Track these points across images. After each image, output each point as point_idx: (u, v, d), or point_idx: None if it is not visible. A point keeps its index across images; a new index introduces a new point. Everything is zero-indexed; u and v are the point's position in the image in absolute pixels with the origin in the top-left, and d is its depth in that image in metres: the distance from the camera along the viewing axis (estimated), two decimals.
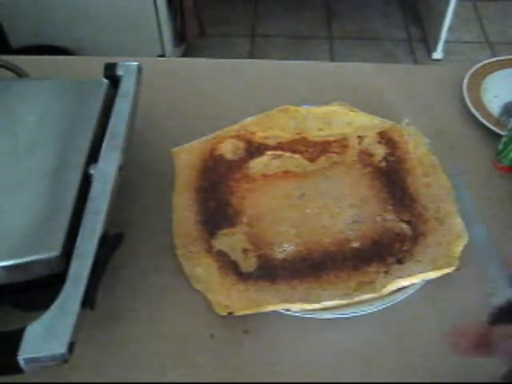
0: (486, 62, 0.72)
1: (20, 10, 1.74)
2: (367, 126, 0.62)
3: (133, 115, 0.53)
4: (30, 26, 1.78)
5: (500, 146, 0.59)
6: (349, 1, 2.40)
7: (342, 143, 0.60)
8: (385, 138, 0.60)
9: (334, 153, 0.60)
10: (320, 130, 0.62)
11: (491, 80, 0.70)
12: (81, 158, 0.48)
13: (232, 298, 0.47)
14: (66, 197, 0.45)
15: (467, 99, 0.67)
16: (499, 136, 0.60)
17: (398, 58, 2.12)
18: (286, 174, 0.58)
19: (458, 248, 0.50)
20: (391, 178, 0.57)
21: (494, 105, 0.67)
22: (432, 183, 0.56)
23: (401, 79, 0.72)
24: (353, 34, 2.25)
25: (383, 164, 0.58)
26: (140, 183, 0.59)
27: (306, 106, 0.64)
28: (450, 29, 1.97)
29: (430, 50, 2.13)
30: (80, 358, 0.40)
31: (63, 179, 0.47)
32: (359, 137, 0.61)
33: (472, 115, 0.65)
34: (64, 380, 0.44)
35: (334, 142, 0.61)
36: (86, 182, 0.47)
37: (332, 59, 2.11)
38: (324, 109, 0.64)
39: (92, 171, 0.47)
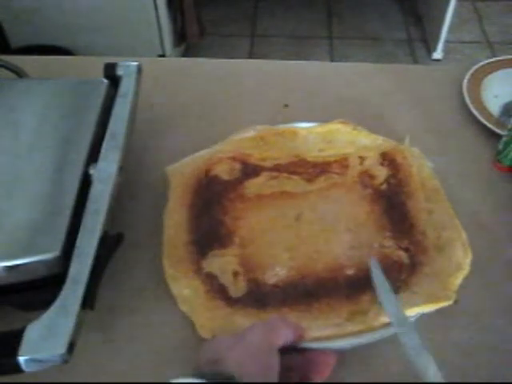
0: (486, 61, 0.72)
1: (20, 10, 1.74)
2: (369, 145, 0.59)
3: (133, 115, 0.53)
4: (30, 26, 1.78)
5: (500, 146, 0.59)
6: (349, 1, 2.40)
7: (343, 163, 0.58)
8: (387, 159, 0.58)
9: (334, 173, 0.57)
10: (321, 150, 0.59)
11: (491, 80, 0.70)
12: (81, 158, 0.48)
13: (217, 322, 0.46)
14: (66, 197, 0.45)
15: (467, 99, 0.67)
16: (499, 136, 0.60)
17: (398, 58, 2.12)
18: (283, 194, 0.55)
19: (457, 280, 0.47)
20: (391, 202, 0.54)
21: (494, 105, 0.67)
22: (434, 209, 0.53)
23: (401, 79, 0.72)
24: (353, 34, 2.25)
25: (384, 186, 0.56)
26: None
27: (306, 125, 0.61)
28: (450, 29, 1.98)
29: (430, 50, 2.13)
30: (80, 358, 0.40)
31: (63, 179, 0.47)
32: (361, 157, 0.58)
33: (472, 115, 0.65)
34: (64, 380, 0.44)
35: (335, 162, 0.58)
36: (86, 181, 0.47)
37: (332, 59, 2.11)
38: (325, 127, 0.61)
39: (92, 171, 0.47)
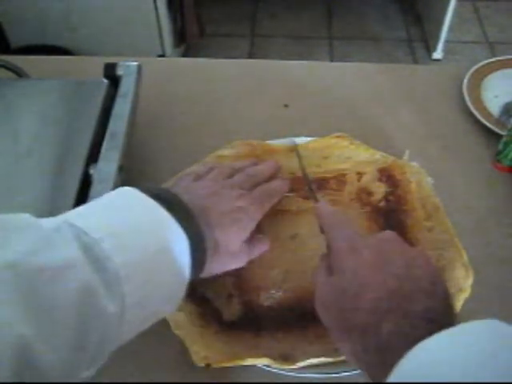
0: (486, 62, 0.72)
1: (20, 10, 1.74)
2: (367, 161, 0.57)
3: (133, 115, 0.53)
4: (30, 26, 1.78)
5: (500, 146, 0.59)
6: (349, 1, 2.40)
7: (340, 180, 0.56)
8: (385, 175, 0.56)
9: (331, 189, 0.55)
10: (317, 166, 0.57)
11: (491, 80, 0.70)
12: (81, 158, 0.48)
13: (211, 348, 0.44)
14: (66, 197, 0.45)
15: (467, 99, 0.67)
16: (499, 136, 0.60)
17: (398, 58, 2.12)
18: (278, 212, 0.52)
19: (459, 303, 0.46)
20: (390, 220, 0.52)
21: (494, 105, 0.67)
22: (434, 228, 0.51)
23: (401, 79, 0.72)
24: (353, 34, 2.25)
25: (383, 204, 0.54)
26: None
27: (302, 140, 0.59)
28: (450, 29, 1.98)
29: (429, 49, 2.13)
30: None
31: (63, 179, 0.47)
32: (358, 173, 0.56)
33: (472, 115, 0.65)
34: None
35: (332, 178, 0.56)
36: (86, 181, 0.47)
37: (332, 59, 2.11)
38: (322, 142, 0.59)
39: (92, 171, 0.47)
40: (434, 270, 0.37)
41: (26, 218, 0.34)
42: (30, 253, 0.30)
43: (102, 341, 0.33)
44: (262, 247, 0.48)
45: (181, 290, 0.39)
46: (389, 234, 0.40)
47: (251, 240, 0.47)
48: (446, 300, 0.35)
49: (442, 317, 0.34)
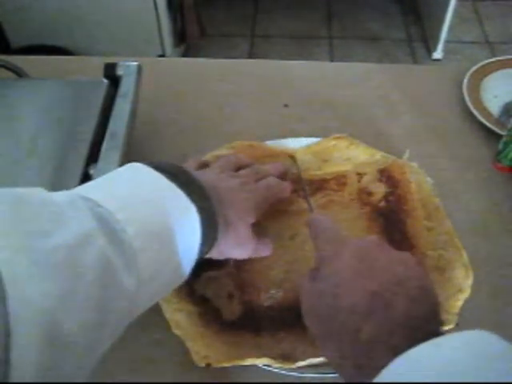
0: (486, 62, 0.72)
1: (20, 10, 1.74)
2: (367, 162, 0.57)
3: (133, 115, 0.53)
4: (30, 26, 1.78)
5: (500, 146, 0.59)
6: (349, 1, 2.40)
7: (340, 180, 0.56)
8: (385, 175, 0.56)
9: (331, 190, 0.55)
10: (318, 169, 0.57)
11: (491, 80, 0.70)
12: (81, 158, 0.48)
13: (211, 348, 0.44)
14: None
15: (467, 99, 0.67)
16: (499, 136, 0.60)
17: (397, 58, 2.12)
18: (278, 212, 0.53)
19: (458, 303, 0.46)
20: (390, 220, 0.52)
21: (494, 105, 0.67)
22: (434, 227, 0.52)
23: (401, 79, 0.72)
24: (353, 34, 2.25)
25: (383, 204, 0.54)
26: None
27: (303, 142, 0.59)
28: (450, 29, 1.98)
29: (429, 50, 2.13)
30: None
31: (63, 179, 0.47)
32: (358, 174, 0.56)
33: (472, 115, 0.65)
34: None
35: (332, 179, 0.56)
36: (86, 181, 0.46)
37: (332, 59, 2.11)
38: (322, 144, 0.59)
39: (92, 171, 0.47)
40: (422, 274, 0.36)
41: (39, 192, 0.33)
42: (47, 231, 0.30)
43: (121, 315, 0.33)
44: (265, 250, 0.48)
45: (190, 264, 0.39)
46: (373, 238, 0.40)
47: (257, 240, 0.47)
48: (433, 306, 0.34)
49: (425, 324, 0.33)
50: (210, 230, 0.40)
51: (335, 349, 0.34)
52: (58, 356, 0.27)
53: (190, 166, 0.49)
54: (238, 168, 0.50)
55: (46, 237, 0.29)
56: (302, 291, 0.39)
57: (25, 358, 0.25)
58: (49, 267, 0.28)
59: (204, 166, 0.50)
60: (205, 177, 0.43)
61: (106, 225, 0.33)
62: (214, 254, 0.44)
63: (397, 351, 0.29)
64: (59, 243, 0.29)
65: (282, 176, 0.54)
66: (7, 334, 0.24)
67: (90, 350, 0.31)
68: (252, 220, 0.45)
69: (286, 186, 0.52)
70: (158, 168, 0.39)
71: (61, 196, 0.33)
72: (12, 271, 0.27)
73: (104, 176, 0.39)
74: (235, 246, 0.45)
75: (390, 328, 0.32)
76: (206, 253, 0.42)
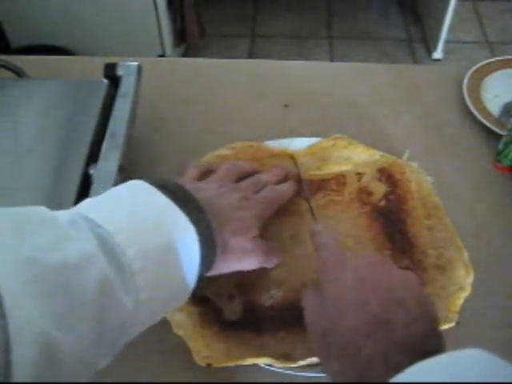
0: (486, 62, 0.72)
1: (20, 10, 1.74)
2: (366, 161, 0.57)
3: (133, 115, 0.54)
4: (30, 26, 1.78)
5: (500, 146, 0.59)
6: (349, 1, 2.40)
7: (340, 180, 0.56)
8: (385, 175, 0.56)
9: (331, 190, 0.55)
10: (318, 169, 0.57)
11: (491, 80, 0.70)
12: (81, 158, 0.48)
13: (212, 348, 0.44)
14: (66, 197, 0.45)
15: (467, 99, 0.67)
16: (499, 136, 0.60)
17: (397, 58, 2.12)
18: (279, 212, 0.52)
19: (459, 301, 0.46)
20: (390, 219, 0.52)
21: (494, 105, 0.67)
22: (434, 226, 0.52)
23: (401, 79, 0.72)
24: (353, 34, 2.25)
25: (383, 203, 0.54)
26: None
27: (302, 142, 0.59)
28: (450, 29, 1.98)
29: (429, 50, 2.13)
30: None
31: (63, 179, 0.47)
32: (358, 173, 0.56)
33: (472, 115, 0.65)
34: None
35: (332, 179, 0.56)
36: (86, 181, 0.47)
37: (332, 59, 2.11)
38: (322, 144, 0.59)
39: (92, 171, 0.47)
40: (423, 294, 0.37)
41: (41, 211, 0.34)
42: (49, 249, 0.30)
43: (118, 334, 0.34)
44: (273, 259, 0.48)
45: (190, 284, 0.39)
46: (374, 256, 0.40)
47: (267, 247, 0.47)
48: (433, 324, 0.35)
49: (425, 341, 0.33)
50: (209, 250, 0.40)
51: (336, 364, 0.35)
52: (54, 373, 0.28)
53: (190, 174, 0.49)
54: (240, 177, 0.50)
55: (48, 255, 0.30)
56: (305, 303, 0.40)
57: (25, 373, 0.26)
58: (50, 285, 0.29)
59: (208, 172, 0.50)
60: (203, 193, 0.43)
61: (106, 245, 0.33)
62: (214, 272, 0.43)
63: (398, 368, 0.29)
64: (61, 262, 0.30)
65: (283, 181, 0.54)
66: (7, 350, 0.25)
67: (85, 368, 0.31)
68: (254, 234, 0.45)
69: (287, 190, 0.52)
70: (156, 184, 0.39)
71: (62, 215, 0.34)
72: (12, 288, 0.27)
73: (104, 194, 0.39)
74: (237, 259, 0.45)
75: (391, 346, 0.33)
76: (206, 272, 0.42)
